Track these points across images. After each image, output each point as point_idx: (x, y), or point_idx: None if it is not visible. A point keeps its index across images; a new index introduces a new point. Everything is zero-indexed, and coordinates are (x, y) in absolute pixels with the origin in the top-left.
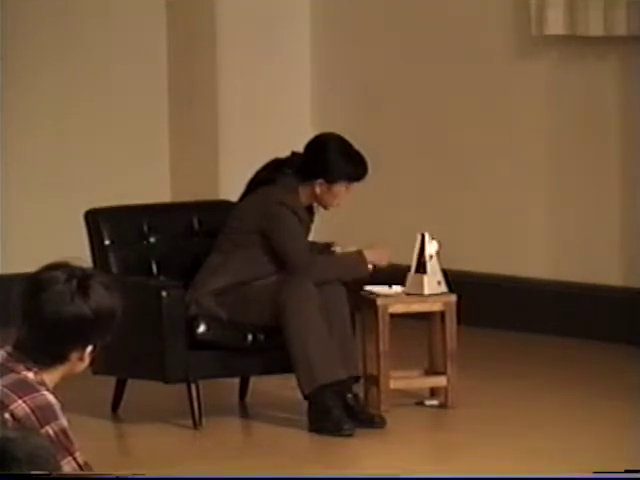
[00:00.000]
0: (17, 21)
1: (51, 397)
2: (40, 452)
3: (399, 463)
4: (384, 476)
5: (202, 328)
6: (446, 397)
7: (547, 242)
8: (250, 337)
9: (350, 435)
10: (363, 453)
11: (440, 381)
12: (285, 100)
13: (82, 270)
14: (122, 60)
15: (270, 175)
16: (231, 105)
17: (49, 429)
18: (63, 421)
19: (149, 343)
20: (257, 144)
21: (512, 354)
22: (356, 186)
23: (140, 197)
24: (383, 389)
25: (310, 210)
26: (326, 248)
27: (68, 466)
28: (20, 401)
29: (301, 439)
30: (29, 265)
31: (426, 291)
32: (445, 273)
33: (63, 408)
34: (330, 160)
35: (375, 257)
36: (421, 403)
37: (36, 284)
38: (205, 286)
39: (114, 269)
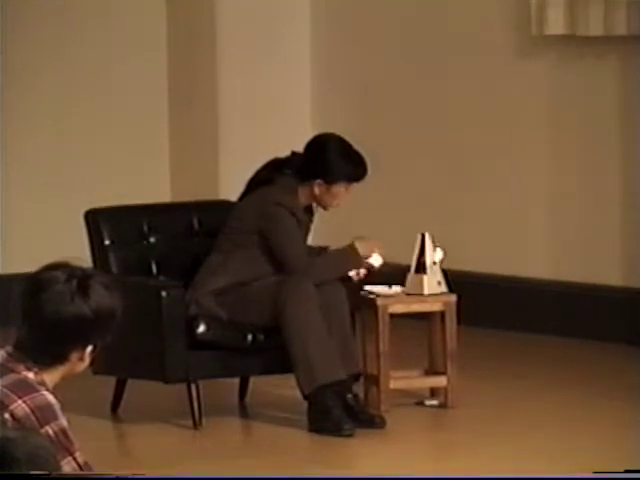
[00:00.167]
0: (17, 20)
1: (51, 397)
2: (40, 452)
3: (399, 463)
4: (384, 476)
5: (202, 328)
6: (446, 397)
7: (547, 242)
8: (250, 337)
9: (350, 435)
10: (363, 453)
11: (440, 381)
12: (285, 100)
13: (82, 270)
14: (122, 60)
15: (270, 175)
16: (231, 105)
17: (49, 429)
18: (63, 421)
19: (149, 343)
20: (257, 144)
21: (512, 354)
22: (356, 186)
23: (140, 197)
24: (383, 389)
25: (309, 210)
26: (321, 252)
27: (68, 466)
28: (20, 401)
29: (301, 439)
30: (29, 265)
31: (426, 291)
32: (445, 273)
33: (63, 408)
34: (329, 160)
35: (366, 249)
36: (421, 403)
37: (36, 284)
38: (205, 286)
39: (114, 269)
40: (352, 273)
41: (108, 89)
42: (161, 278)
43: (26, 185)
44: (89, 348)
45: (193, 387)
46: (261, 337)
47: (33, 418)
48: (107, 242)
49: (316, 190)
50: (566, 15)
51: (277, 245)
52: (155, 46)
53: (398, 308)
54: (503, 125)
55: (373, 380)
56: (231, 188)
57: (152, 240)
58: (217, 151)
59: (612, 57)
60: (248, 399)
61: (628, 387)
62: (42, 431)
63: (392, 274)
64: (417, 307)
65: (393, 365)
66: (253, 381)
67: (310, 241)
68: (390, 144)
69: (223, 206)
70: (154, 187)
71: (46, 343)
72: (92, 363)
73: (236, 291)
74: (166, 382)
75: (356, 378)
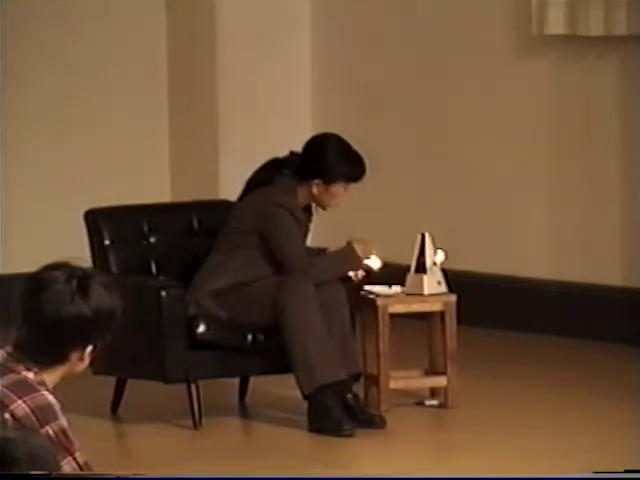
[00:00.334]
0: (17, 20)
1: (51, 397)
2: (40, 452)
3: (399, 463)
4: (384, 476)
5: (202, 328)
6: (446, 397)
7: (547, 242)
8: (250, 337)
9: (350, 435)
10: (363, 453)
11: (440, 381)
12: (285, 100)
13: (82, 270)
14: (122, 60)
15: (268, 175)
16: (231, 105)
17: (49, 429)
18: (63, 421)
19: (149, 343)
20: (257, 144)
21: (512, 354)
22: (355, 186)
23: (140, 197)
24: (383, 389)
25: (308, 210)
26: (320, 253)
27: (68, 466)
28: (20, 401)
29: (301, 439)
30: (29, 265)
31: (426, 291)
32: (445, 273)
33: (63, 408)
34: (328, 160)
35: (364, 251)
36: (421, 403)
37: (36, 284)
38: (205, 286)
39: (114, 269)
40: (351, 274)
41: (108, 89)
42: (161, 278)
43: (26, 185)
44: (89, 348)
45: (193, 387)
46: (261, 337)
47: (33, 418)
48: (107, 242)
49: (315, 190)
50: (566, 15)
51: (277, 245)
52: (155, 46)
53: (398, 308)
54: (503, 125)
55: (373, 380)
56: (231, 188)
57: (152, 240)
58: (217, 151)
59: (612, 57)
60: (248, 399)
61: (628, 387)
62: (42, 431)
63: (392, 274)
64: (417, 307)
65: (393, 365)
66: (253, 381)
67: (310, 242)
68: (390, 144)
69: (223, 206)
70: (154, 187)
71: (46, 343)
72: (92, 363)
73: (236, 291)
74: (166, 382)
75: (356, 378)
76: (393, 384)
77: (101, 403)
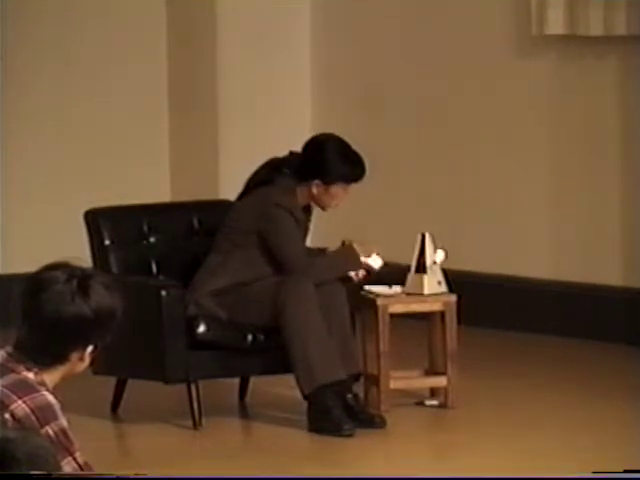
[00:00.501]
0: (17, 21)
1: (51, 397)
2: (40, 452)
3: (399, 463)
4: (384, 476)
5: (202, 328)
6: (446, 397)
7: (547, 242)
8: (250, 337)
9: (350, 435)
10: (363, 453)
11: (440, 381)
12: (285, 100)
13: (82, 270)
14: (122, 60)
15: (268, 175)
16: (231, 105)
17: (49, 429)
18: (63, 421)
19: (149, 343)
20: (257, 144)
21: (512, 354)
22: (355, 186)
23: (140, 197)
24: (383, 389)
25: (308, 210)
26: (320, 253)
27: (68, 466)
28: (20, 401)
29: (301, 439)
30: (29, 265)
31: (426, 291)
32: (445, 273)
33: (63, 408)
34: (328, 161)
35: (364, 251)
36: (421, 403)
37: (36, 284)
38: (205, 286)
39: (114, 269)
40: (352, 274)
41: (108, 89)
42: (161, 278)
43: (26, 185)
44: (89, 348)
45: (193, 387)
46: (261, 337)
47: (33, 418)
48: (107, 242)
49: (314, 190)
50: (566, 15)
51: (276, 245)
52: (155, 46)
53: (398, 308)
54: (503, 125)
55: (373, 380)
56: (231, 188)
57: (152, 240)
58: (217, 151)
59: (612, 57)
60: (248, 399)
61: (628, 387)
62: (42, 431)
63: (392, 274)
64: (417, 307)
65: (393, 365)
66: (253, 381)
67: (309, 242)
68: (390, 144)
69: (223, 206)
70: (154, 187)
71: (46, 343)
72: (92, 363)
73: (236, 291)
74: (166, 382)
75: (356, 378)
76: (393, 384)
77: (101, 403)
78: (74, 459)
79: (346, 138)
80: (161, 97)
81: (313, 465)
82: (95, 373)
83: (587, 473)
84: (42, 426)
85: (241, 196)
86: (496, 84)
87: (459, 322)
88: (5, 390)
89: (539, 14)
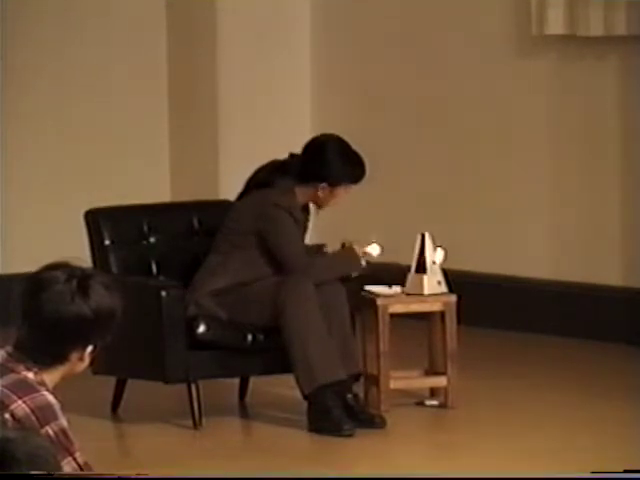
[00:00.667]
0: (17, 21)
1: (51, 397)
2: (40, 452)
3: (399, 463)
4: (384, 476)
5: (202, 328)
6: (446, 397)
7: (547, 242)
8: (250, 337)
9: (350, 435)
10: (363, 453)
11: (440, 381)
12: (285, 100)
13: (82, 270)
14: (122, 60)
15: (268, 177)
16: (231, 105)
17: (49, 429)
18: (63, 421)
19: (149, 343)
20: (257, 144)
21: (512, 354)
22: (355, 186)
23: (140, 197)
24: (383, 389)
25: (306, 209)
26: (319, 250)
27: (68, 466)
28: (20, 401)
29: (301, 439)
30: (29, 265)
31: (426, 291)
32: (445, 273)
33: (63, 408)
34: (330, 163)
35: (363, 245)
36: (421, 403)
37: (36, 284)
38: (205, 286)
39: (114, 269)
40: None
41: (108, 89)
42: (161, 278)
43: (26, 185)
44: (89, 348)
45: (193, 387)
46: (261, 337)
47: (33, 418)
48: (107, 242)
49: (319, 193)
50: (566, 15)
51: (276, 245)
52: (155, 46)
53: (398, 308)
54: (503, 125)
55: (373, 380)
56: (231, 188)
57: (152, 240)
58: (217, 151)
59: (612, 57)
60: (248, 399)
61: (628, 387)
62: (42, 431)
63: (392, 274)
64: (417, 307)
65: (393, 365)
66: (253, 381)
67: (308, 240)
68: (390, 144)
69: (223, 206)
70: (154, 187)
71: (46, 343)
72: (92, 363)
73: (236, 291)
74: (166, 382)
75: (356, 378)
76: (393, 384)
77: (101, 403)
78: (74, 459)
79: (346, 138)
80: (161, 97)
81: (313, 465)
82: (95, 373)
83: (587, 473)
84: (42, 426)
85: (241, 196)
86: (496, 84)
87: (459, 322)
88: (5, 390)
89: (539, 14)
